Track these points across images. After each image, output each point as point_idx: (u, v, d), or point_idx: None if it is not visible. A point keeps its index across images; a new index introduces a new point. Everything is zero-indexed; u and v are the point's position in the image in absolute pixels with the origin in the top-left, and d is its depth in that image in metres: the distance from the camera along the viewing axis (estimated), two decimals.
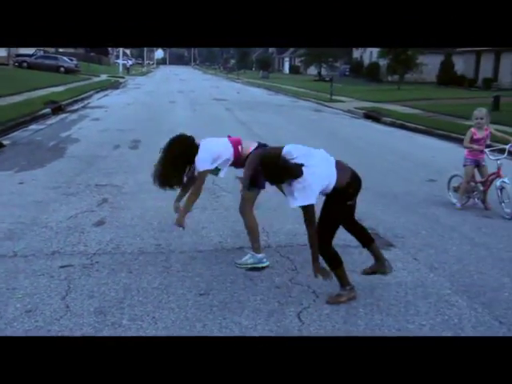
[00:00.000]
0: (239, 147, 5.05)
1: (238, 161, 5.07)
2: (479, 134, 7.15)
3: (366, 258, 5.35)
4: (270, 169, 4.07)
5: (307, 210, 4.09)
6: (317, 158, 4.20)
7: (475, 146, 7.13)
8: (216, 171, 5.08)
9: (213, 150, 4.96)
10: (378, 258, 4.66)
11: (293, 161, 4.04)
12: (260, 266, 5.06)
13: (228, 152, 4.99)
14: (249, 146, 5.07)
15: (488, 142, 7.33)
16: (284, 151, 4.11)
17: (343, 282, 4.42)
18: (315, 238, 4.14)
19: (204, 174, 4.97)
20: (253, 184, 5.01)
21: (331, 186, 4.18)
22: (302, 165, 4.04)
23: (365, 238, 4.67)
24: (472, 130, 7.20)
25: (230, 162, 5.05)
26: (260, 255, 5.11)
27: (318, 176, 4.08)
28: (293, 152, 4.12)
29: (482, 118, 7.11)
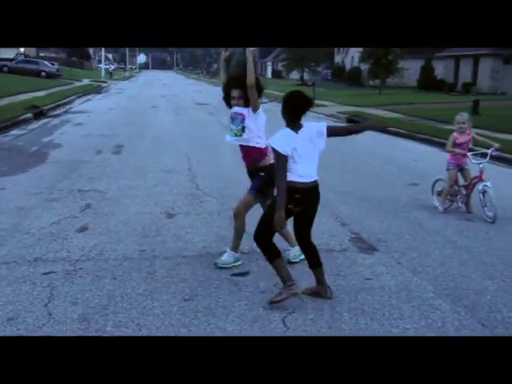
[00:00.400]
0: (269, 152, 4.98)
1: (255, 157, 5.09)
2: (462, 139, 7.23)
3: (350, 263, 5.39)
4: (296, 102, 4.25)
5: (276, 158, 4.25)
6: (309, 151, 4.30)
7: (458, 150, 7.21)
8: (237, 124, 5.03)
9: (263, 120, 5.09)
10: (321, 282, 4.56)
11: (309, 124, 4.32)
12: (237, 264, 5.20)
13: (263, 138, 5.05)
14: (271, 159, 4.95)
15: (470, 146, 7.41)
16: (318, 125, 4.33)
17: (282, 277, 4.41)
18: (280, 189, 4.16)
19: (254, 93, 4.86)
20: (261, 191, 5.10)
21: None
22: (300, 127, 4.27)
23: (313, 259, 4.57)
24: (454, 134, 7.29)
25: (252, 143, 5.04)
26: (237, 255, 5.26)
27: (294, 144, 4.19)
28: (310, 130, 4.29)
29: (464, 123, 7.20)
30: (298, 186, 4.22)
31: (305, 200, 4.31)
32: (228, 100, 5.09)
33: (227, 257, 5.20)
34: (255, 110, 4.92)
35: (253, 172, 5.17)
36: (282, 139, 4.20)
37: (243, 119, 4.97)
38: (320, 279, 4.56)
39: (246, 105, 4.94)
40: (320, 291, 4.55)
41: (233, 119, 5.06)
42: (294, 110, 4.23)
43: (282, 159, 4.18)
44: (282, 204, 4.17)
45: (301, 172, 4.24)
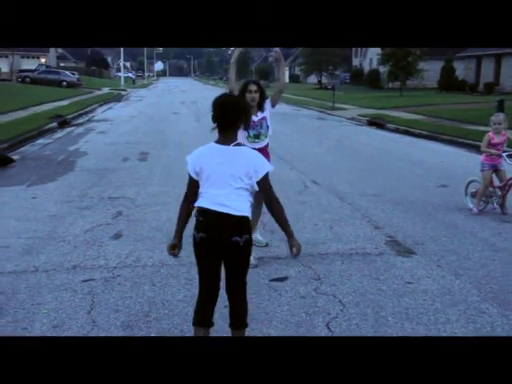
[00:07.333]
0: None
1: (268, 154, 5.64)
2: (497, 139, 7.13)
3: (389, 266, 5.32)
4: (225, 108, 3.35)
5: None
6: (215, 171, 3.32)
7: (493, 151, 7.10)
8: (264, 128, 5.53)
9: None
10: None
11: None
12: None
13: None
14: None
15: (505, 147, 7.29)
16: (259, 164, 3.35)
17: None
18: (178, 215, 3.51)
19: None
20: None
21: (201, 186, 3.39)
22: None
23: (231, 317, 3.57)
24: (489, 134, 7.19)
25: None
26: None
27: (205, 163, 3.34)
28: (245, 159, 3.35)
29: (500, 124, 7.10)
30: (205, 209, 3.30)
31: (209, 227, 3.29)
32: (242, 96, 5.29)
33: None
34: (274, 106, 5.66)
35: None
36: (194, 156, 3.42)
37: (266, 120, 5.52)
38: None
39: (260, 100, 5.42)
40: None
41: (259, 125, 5.48)
42: (222, 118, 3.33)
43: (189, 181, 3.42)
44: (176, 230, 3.56)
45: (211, 198, 3.31)
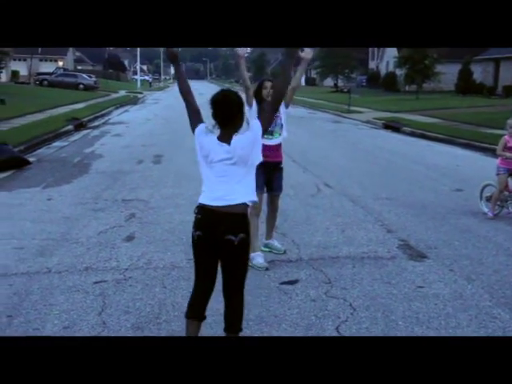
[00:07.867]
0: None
1: (281, 152, 5.77)
2: None
3: (400, 270, 5.29)
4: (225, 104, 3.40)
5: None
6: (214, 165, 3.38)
7: (508, 154, 7.03)
8: (279, 126, 5.58)
9: None
10: None
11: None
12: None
13: None
14: None
15: None
16: (252, 129, 3.42)
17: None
18: None
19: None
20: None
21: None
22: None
23: (226, 320, 3.59)
24: (505, 137, 7.11)
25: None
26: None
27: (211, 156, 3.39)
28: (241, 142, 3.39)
29: None
30: (203, 205, 3.35)
31: (205, 225, 3.31)
32: (259, 92, 5.43)
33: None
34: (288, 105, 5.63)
35: (274, 166, 5.54)
36: (202, 133, 3.48)
37: (280, 119, 5.54)
38: None
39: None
40: None
41: (273, 123, 5.35)
42: (220, 115, 3.37)
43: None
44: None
45: (211, 193, 3.35)
